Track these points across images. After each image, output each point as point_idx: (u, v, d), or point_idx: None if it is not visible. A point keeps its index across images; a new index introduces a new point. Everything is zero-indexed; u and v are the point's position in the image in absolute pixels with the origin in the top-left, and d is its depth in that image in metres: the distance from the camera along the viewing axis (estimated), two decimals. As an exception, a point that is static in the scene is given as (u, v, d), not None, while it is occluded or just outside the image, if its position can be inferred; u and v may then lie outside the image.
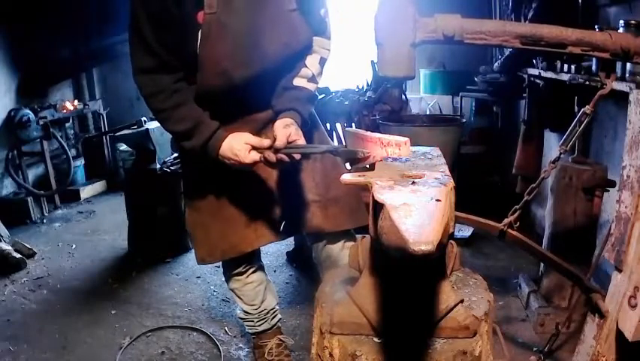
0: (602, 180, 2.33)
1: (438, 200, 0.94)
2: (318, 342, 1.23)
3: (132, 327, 2.64)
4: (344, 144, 2.27)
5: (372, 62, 4.03)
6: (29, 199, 4.38)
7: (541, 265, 2.68)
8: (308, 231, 1.91)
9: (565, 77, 2.60)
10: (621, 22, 2.03)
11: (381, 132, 1.67)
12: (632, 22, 1.98)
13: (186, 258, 3.47)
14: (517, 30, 1.19)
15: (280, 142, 1.52)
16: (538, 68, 3.05)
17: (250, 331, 2.20)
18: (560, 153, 1.63)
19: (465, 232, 3.47)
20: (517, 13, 3.29)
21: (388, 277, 1.11)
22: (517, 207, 1.60)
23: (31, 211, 4.37)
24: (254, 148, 1.55)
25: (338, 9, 5.26)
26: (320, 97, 3.60)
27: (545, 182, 1.78)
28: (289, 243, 3.38)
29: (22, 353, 2.44)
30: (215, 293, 3.01)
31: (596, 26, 2.18)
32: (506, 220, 1.58)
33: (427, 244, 0.77)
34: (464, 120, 4.02)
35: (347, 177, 1.13)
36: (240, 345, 2.47)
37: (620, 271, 1.45)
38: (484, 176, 4.36)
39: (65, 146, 4.71)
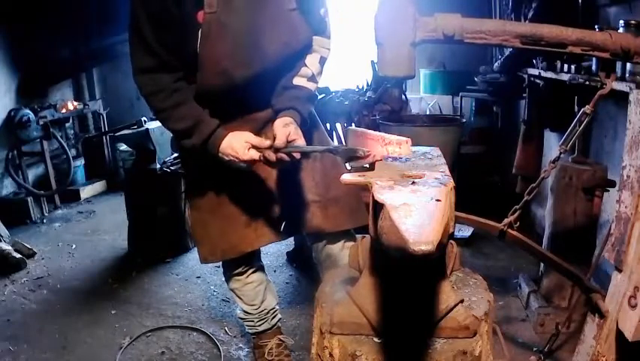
0: (602, 180, 2.33)
1: (438, 200, 0.94)
2: (318, 342, 1.23)
3: (132, 327, 2.64)
4: (344, 143, 2.27)
5: (372, 61, 4.03)
6: (29, 199, 4.38)
7: (541, 265, 2.68)
8: (308, 231, 1.91)
9: (565, 77, 2.59)
10: (621, 22, 2.03)
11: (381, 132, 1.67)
12: (632, 22, 1.98)
13: (186, 258, 3.47)
14: (517, 30, 1.19)
15: (280, 141, 1.53)
16: (538, 68, 3.05)
17: (250, 331, 2.20)
18: (560, 153, 1.63)
19: (465, 232, 3.47)
20: (517, 12, 3.29)
21: (388, 277, 1.11)
22: (517, 207, 1.60)
23: (31, 211, 4.36)
24: (253, 147, 1.55)
25: (338, 9, 5.26)
26: (320, 97, 3.60)
27: (545, 182, 1.78)
28: (289, 243, 3.37)
29: (22, 353, 2.44)
30: (215, 293, 3.01)
31: (596, 26, 2.18)
32: (506, 220, 1.58)
33: (427, 244, 0.78)
34: (464, 120, 4.02)
35: (347, 177, 1.13)
36: (240, 345, 2.47)
37: (620, 271, 1.45)
38: (484, 176, 4.36)
39: (65, 146, 4.71)
